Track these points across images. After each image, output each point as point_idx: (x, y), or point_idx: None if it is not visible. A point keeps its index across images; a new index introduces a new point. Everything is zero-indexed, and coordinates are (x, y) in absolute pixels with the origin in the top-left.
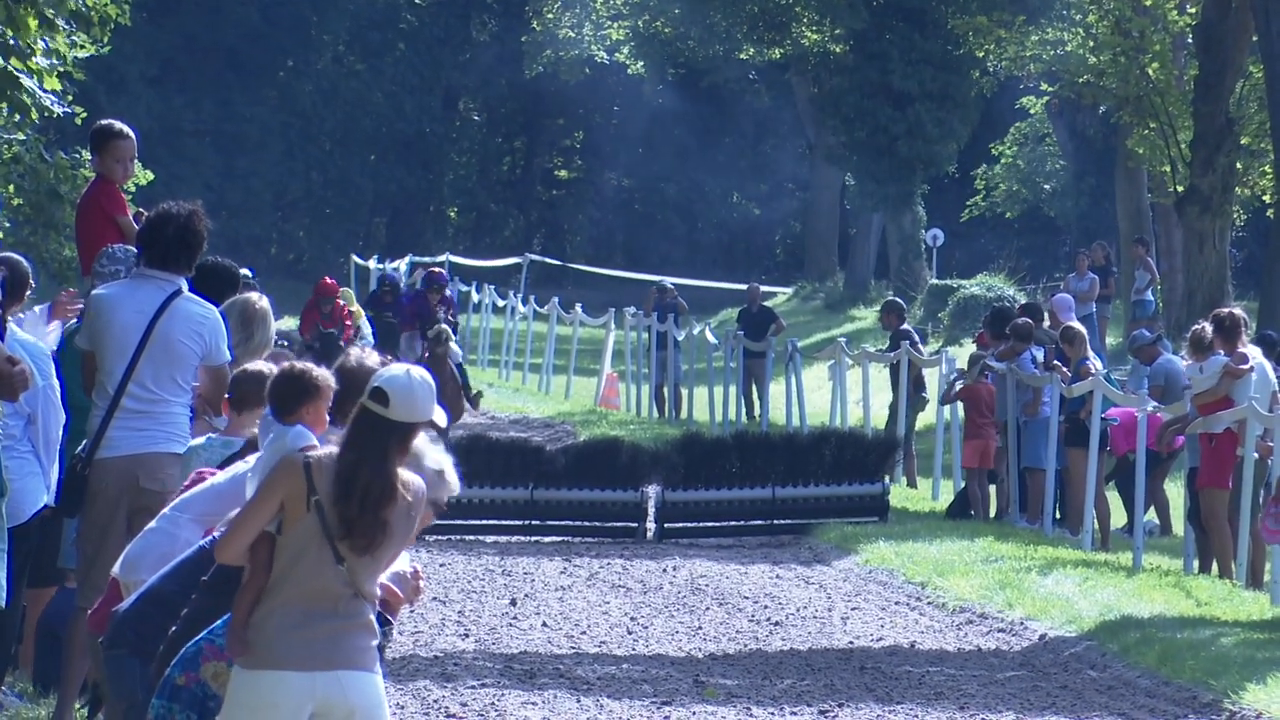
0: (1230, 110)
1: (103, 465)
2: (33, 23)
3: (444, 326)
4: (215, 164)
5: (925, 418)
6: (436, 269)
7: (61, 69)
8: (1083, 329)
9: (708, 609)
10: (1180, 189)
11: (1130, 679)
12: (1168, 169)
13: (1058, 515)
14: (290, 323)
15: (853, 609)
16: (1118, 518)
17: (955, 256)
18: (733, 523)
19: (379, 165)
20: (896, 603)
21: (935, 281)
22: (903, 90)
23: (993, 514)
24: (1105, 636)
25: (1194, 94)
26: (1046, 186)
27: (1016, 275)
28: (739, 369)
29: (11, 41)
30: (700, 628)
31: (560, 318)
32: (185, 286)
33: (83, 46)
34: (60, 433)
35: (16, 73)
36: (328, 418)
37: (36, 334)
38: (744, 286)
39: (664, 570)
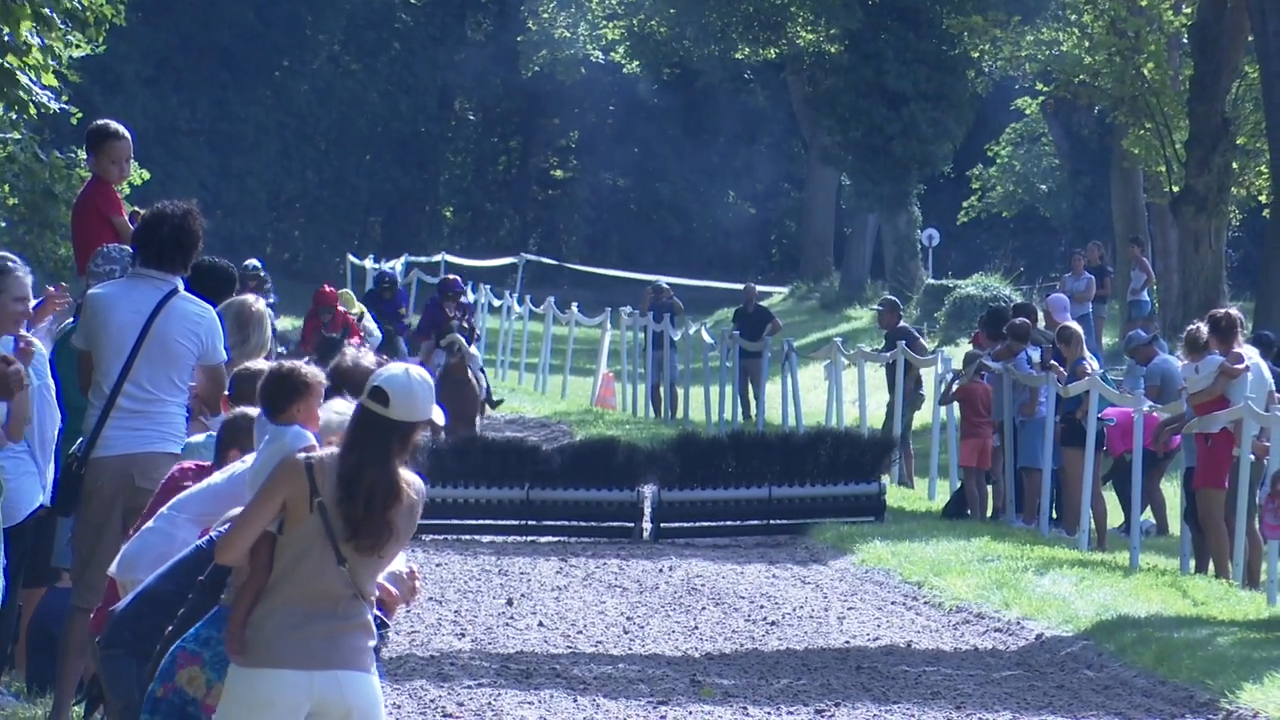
0: (1226, 110)
1: (98, 464)
2: (27, 23)
3: (456, 335)
4: (211, 164)
5: (922, 417)
6: (451, 276)
7: (57, 67)
8: (1079, 329)
9: (704, 609)
10: (1176, 189)
11: (1127, 678)
12: (1163, 169)
13: (1054, 515)
14: (292, 323)
15: (849, 609)
16: (1114, 517)
17: (951, 256)
18: (729, 522)
19: (374, 165)
20: (893, 602)
21: (931, 281)
22: (898, 90)
23: (989, 514)
24: (1102, 636)
25: (1189, 94)
26: (1042, 187)
27: (1012, 275)
28: (735, 369)
29: (6, 38)
30: (696, 627)
31: (556, 317)
32: (181, 286)
33: (78, 45)
34: (56, 432)
35: (12, 69)
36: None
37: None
38: (740, 286)
39: (660, 570)
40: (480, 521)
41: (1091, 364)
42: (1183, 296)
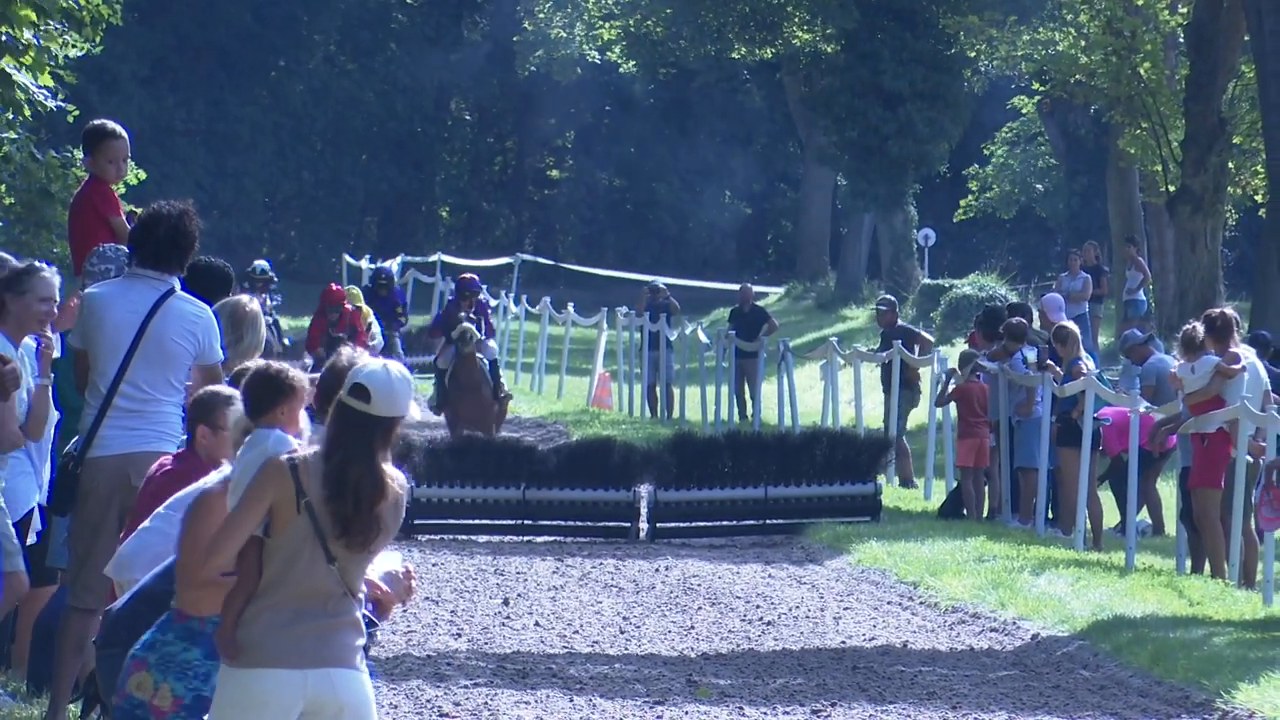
0: (1222, 110)
1: (95, 464)
2: (29, 13)
3: (468, 326)
4: (207, 163)
5: (918, 416)
6: (468, 275)
7: (53, 67)
8: (1076, 329)
9: (700, 609)
10: (1172, 189)
11: (1123, 679)
12: (1159, 169)
13: (1050, 515)
14: (289, 322)
15: (845, 609)
16: (1110, 517)
17: (947, 256)
18: (725, 522)
19: (370, 165)
20: (889, 602)
21: (927, 281)
22: (894, 90)
23: (985, 514)
24: (1098, 636)
25: (1185, 93)
26: (1038, 186)
27: (1008, 275)
28: (731, 369)
29: (4, 38)
30: (693, 627)
31: (552, 317)
32: (178, 286)
33: (75, 45)
34: (52, 432)
35: (9, 69)
36: (308, 417)
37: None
38: (736, 286)
39: (656, 570)
40: (476, 521)
41: (1087, 364)
42: (1179, 296)
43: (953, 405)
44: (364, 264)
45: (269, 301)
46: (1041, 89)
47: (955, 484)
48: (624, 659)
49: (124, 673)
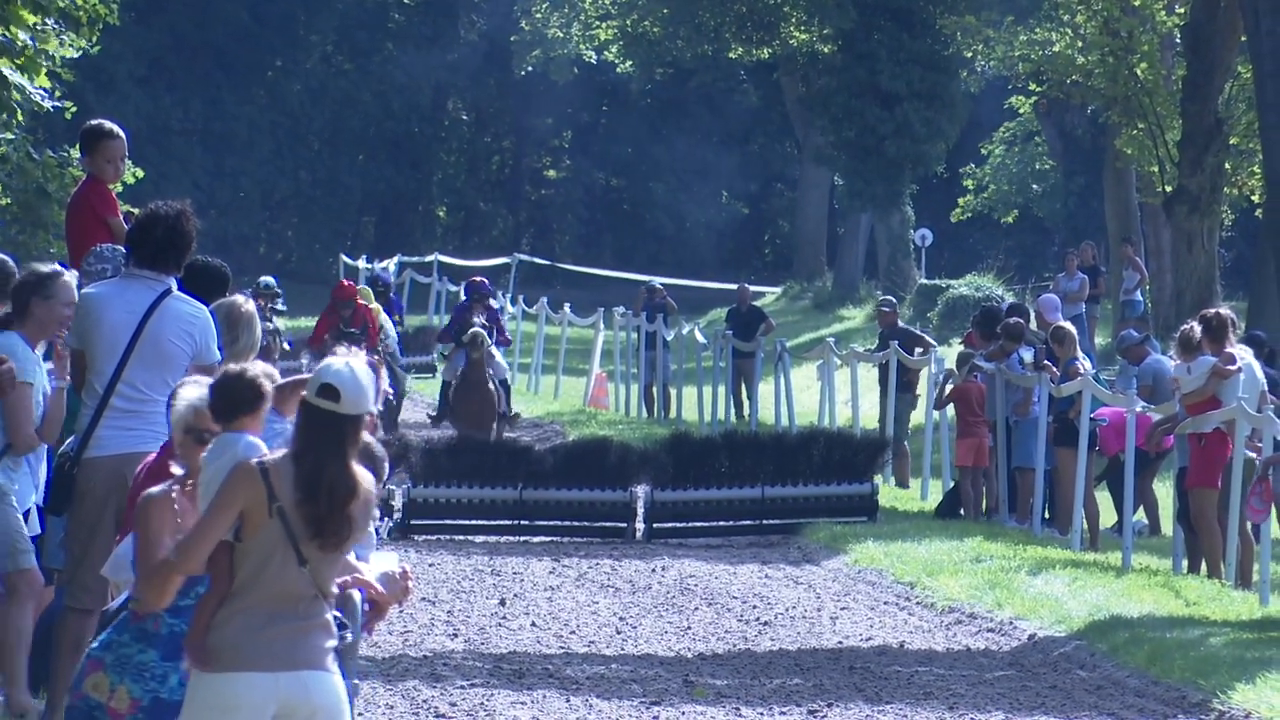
0: (1219, 110)
1: (91, 464)
2: (26, 14)
3: (479, 330)
4: (204, 163)
5: (915, 417)
6: (478, 278)
7: (50, 68)
8: (1073, 329)
9: (697, 609)
10: (1169, 189)
11: (1119, 679)
12: (1156, 169)
13: (1047, 515)
14: (284, 323)
15: (842, 609)
16: (1107, 517)
17: (944, 256)
18: (722, 522)
19: (367, 164)
20: (885, 603)
21: (924, 281)
22: (891, 90)
23: (982, 513)
24: (1094, 636)
25: (1182, 94)
26: (1035, 186)
27: (1005, 275)
28: (728, 369)
29: (2, 39)
30: (689, 627)
31: (549, 317)
32: (175, 286)
33: (72, 45)
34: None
35: (5, 71)
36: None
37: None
38: (733, 286)
39: (653, 570)
40: (473, 521)
41: (1085, 364)
42: (1176, 296)
43: (951, 405)
44: (361, 264)
45: (271, 311)
46: (1038, 89)
47: (952, 484)
48: (620, 659)
49: (79, 672)
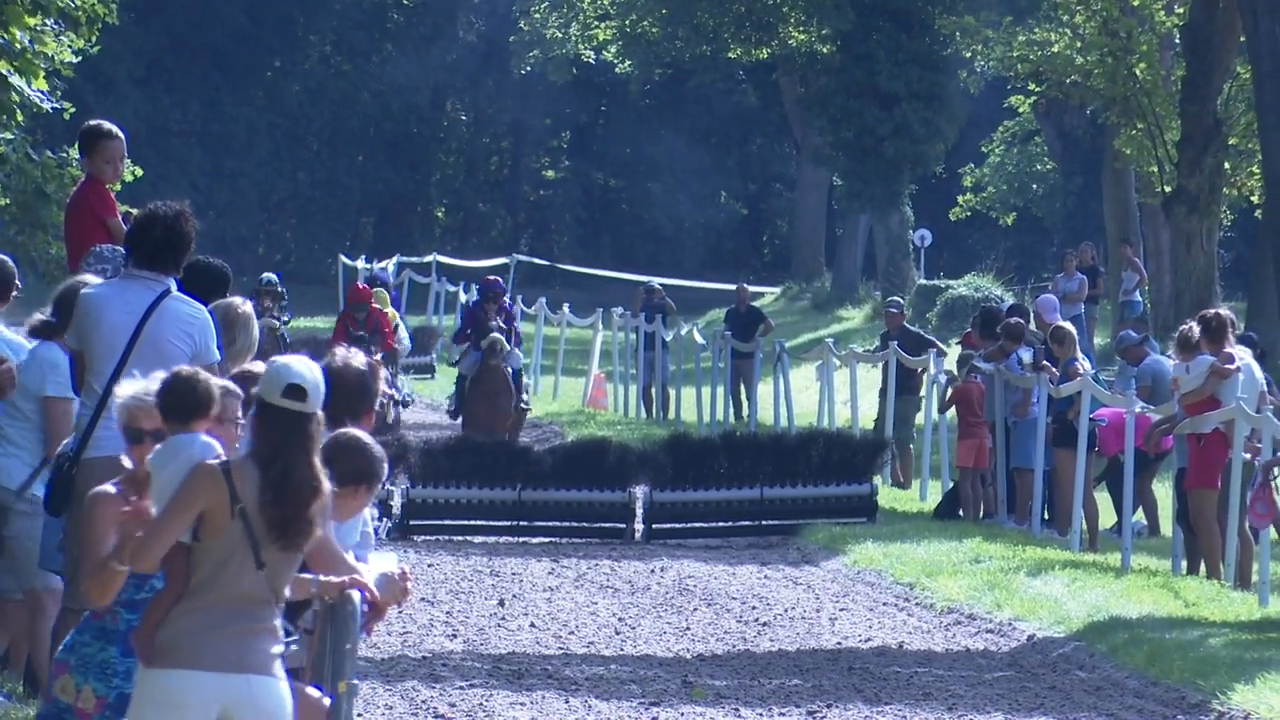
0: (1218, 111)
1: (90, 465)
2: (28, 19)
3: (498, 336)
4: (203, 164)
5: (918, 418)
6: (492, 277)
7: (48, 69)
8: (1073, 329)
9: (695, 609)
10: (1168, 189)
11: (1118, 679)
12: (1155, 169)
13: (1046, 516)
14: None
15: (841, 609)
16: (1106, 518)
17: (943, 257)
18: (721, 523)
19: (366, 165)
20: (884, 603)
21: (923, 282)
22: (889, 90)
23: (980, 514)
24: (1093, 637)
25: (1181, 94)
26: (1035, 187)
27: (1004, 276)
28: (727, 369)
29: (0, 41)
30: (688, 628)
31: (548, 318)
32: (174, 287)
33: (71, 45)
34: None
35: (3, 73)
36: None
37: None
38: (732, 287)
39: (652, 571)
40: (472, 522)
41: (1084, 364)
42: (1175, 297)
43: (952, 406)
44: (360, 264)
45: (279, 313)
46: (1037, 89)
47: (952, 484)
48: (619, 660)
49: (50, 676)
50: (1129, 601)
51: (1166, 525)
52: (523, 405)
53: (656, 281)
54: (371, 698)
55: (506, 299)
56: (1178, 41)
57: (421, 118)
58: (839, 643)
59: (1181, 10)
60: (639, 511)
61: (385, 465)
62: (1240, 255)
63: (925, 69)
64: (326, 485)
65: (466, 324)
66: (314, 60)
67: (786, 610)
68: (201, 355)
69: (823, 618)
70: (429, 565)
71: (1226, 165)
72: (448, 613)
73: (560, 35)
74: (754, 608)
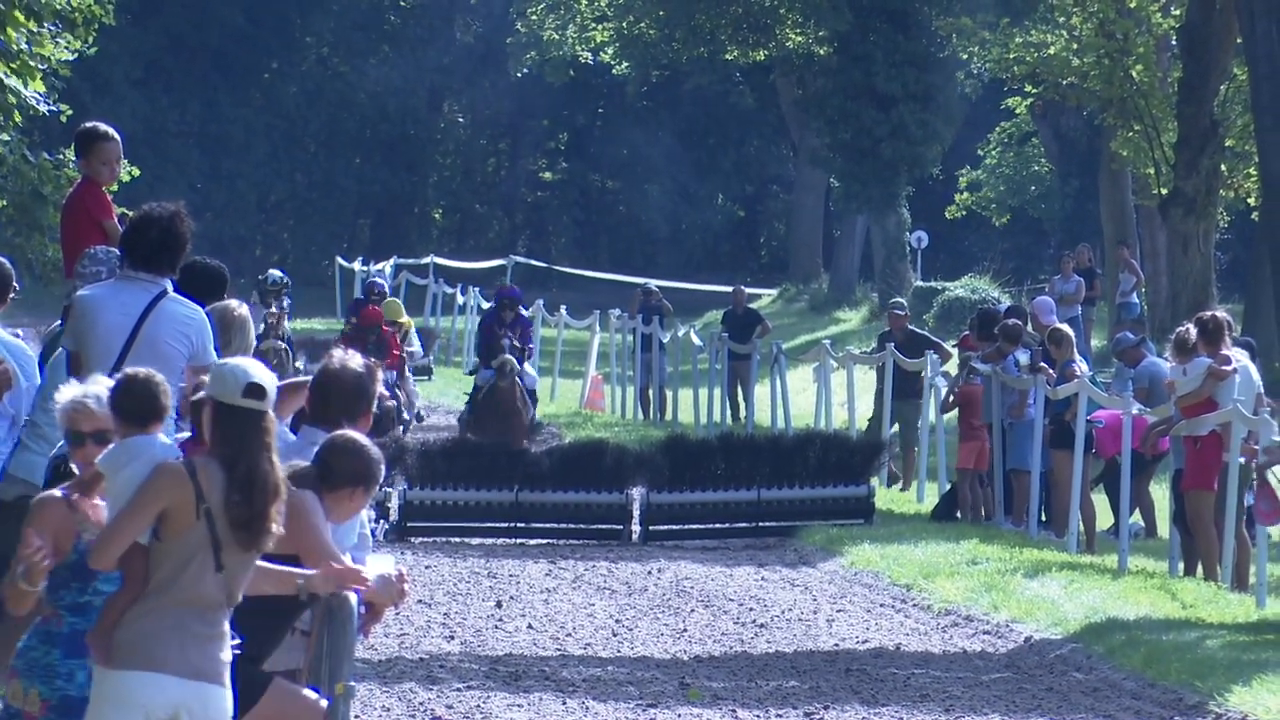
0: (1215, 112)
1: None
2: (25, 21)
3: (508, 358)
4: (200, 165)
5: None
6: (506, 284)
7: (45, 70)
8: (1070, 331)
9: (693, 611)
10: (1164, 191)
11: (1116, 681)
12: (1152, 171)
13: (1043, 517)
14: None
15: (838, 611)
16: (1104, 520)
17: (940, 258)
18: (718, 525)
19: (363, 167)
20: (882, 605)
21: (920, 283)
22: (886, 92)
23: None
24: (1091, 639)
25: (1178, 96)
26: (1031, 188)
27: (1001, 277)
28: (724, 371)
29: None
30: (685, 630)
31: (545, 320)
32: (170, 288)
33: (68, 46)
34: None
35: (1, 75)
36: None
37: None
38: (729, 289)
39: (649, 572)
40: (469, 524)
41: (1081, 366)
42: (1171, 299)
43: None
44: (357, 266)
45: (281, 305)
46: (1034, 91)
47: (950, 486)
48: (616, 661)
49: (4, 683)
50: (1126, 603)
51: (1163, 527)
52: (535, 422)
53: (654, 283)
54: (368, 699)
55: (523, 308)
56: (1174, 43)
57: (418, 119)
58: (836, 644)
59: (1178, 12)
60: (636, 513)
61: (382, 467)
62: (1237, 257)
63: (922, 71)
64: (285, 485)
65: (484, 339)
66: (311, 61)
67: (784, 612)
68: (199, 356)
69: (820, 619)
70: (426, 567)
71: (1223, 167)
72: (445, 614)
73: (557, 37)
74: (751, 609)
